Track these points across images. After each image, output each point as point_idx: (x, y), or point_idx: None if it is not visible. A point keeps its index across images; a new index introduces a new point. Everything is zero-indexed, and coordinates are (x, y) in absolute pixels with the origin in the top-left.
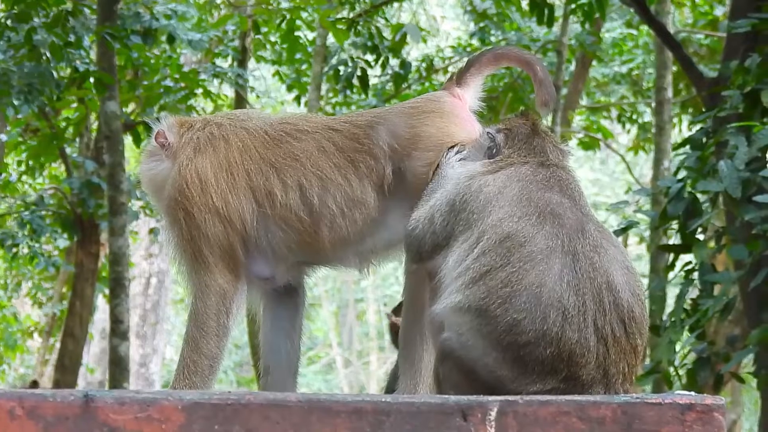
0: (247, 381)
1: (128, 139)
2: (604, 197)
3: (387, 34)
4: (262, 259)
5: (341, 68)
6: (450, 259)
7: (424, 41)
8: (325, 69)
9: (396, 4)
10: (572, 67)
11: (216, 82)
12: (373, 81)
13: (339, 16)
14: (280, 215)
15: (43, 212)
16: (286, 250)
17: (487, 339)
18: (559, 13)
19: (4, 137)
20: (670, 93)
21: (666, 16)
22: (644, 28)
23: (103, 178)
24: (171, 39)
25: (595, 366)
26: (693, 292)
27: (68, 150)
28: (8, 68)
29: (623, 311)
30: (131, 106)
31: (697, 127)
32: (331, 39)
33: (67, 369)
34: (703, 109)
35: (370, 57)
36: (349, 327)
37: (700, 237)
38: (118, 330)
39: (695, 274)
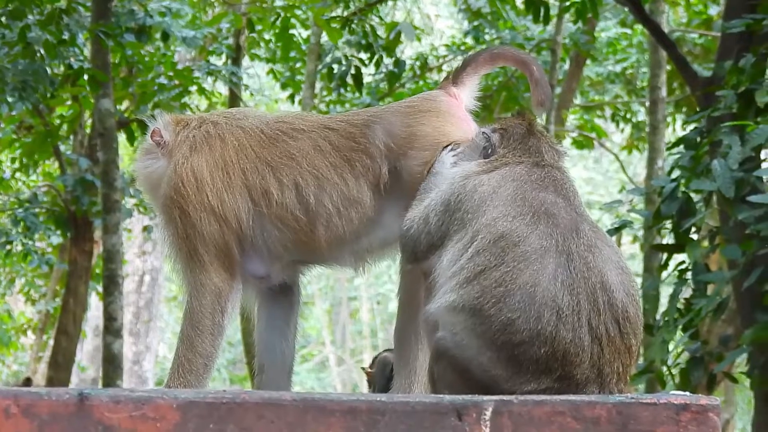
0: (240, 379)
1: (122, 137)
2: (598, 196)
3: (381, 32)
4: (258, 257)
5: (335, 66)
6: (444, 258)
7: (419, 39)
8: (319, 67)
9: (390, 3)
10: (566, 65)
11: (210, 79)
12: (367, 79)
13: (333, 14)
14: (276, 214)
15: (37, 209)
16: (282, 249)
17: (482, 338)
18: (553, 11)
19: None
20: (664, 92)
21: (660, 16)
22: (638, 27)
23: (97, 175)
24: (165, 36)
25: (589, 365)
26: (686, 292)
27: (62, 147)
28: (2, 65)
29: (617, 311)
30: (125, 104)
31: (691, 126)
32: (325, 37)
33: (60, 366)
34: (697, 109)
35: (364, 55)
36: (342, 325)
37: (694, 236)
38: (111, 327)
39: (689, 274)
